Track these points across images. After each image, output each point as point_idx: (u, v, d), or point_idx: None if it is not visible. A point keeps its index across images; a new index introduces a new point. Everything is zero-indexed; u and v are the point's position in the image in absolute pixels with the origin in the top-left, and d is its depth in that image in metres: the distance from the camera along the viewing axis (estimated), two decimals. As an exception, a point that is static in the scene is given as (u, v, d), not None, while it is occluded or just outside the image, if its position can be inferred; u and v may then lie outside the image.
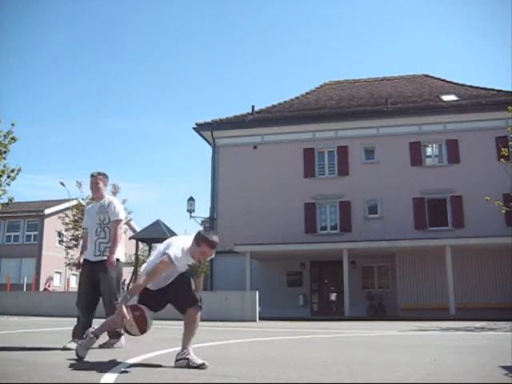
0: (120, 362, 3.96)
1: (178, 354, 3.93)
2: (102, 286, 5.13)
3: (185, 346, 3.95)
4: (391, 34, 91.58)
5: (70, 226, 28.42)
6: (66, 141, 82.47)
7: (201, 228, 37.10)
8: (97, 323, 4.51)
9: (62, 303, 16.25)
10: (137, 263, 23.39)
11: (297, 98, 27.57)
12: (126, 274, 33.02)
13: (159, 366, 3.97)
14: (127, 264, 34.97)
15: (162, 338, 7.62)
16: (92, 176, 5.35)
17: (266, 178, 22.92)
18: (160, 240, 24.03)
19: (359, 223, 22.11)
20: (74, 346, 4.80)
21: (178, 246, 3.94)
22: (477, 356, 5.00)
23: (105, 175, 5.45)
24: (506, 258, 19.27)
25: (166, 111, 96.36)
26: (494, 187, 18.77)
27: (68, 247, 28.29)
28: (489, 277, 19.72)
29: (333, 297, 21.66)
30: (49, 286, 26.89)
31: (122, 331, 4.80)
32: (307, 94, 28.16)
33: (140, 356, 4.49)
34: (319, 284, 22.79)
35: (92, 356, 4.52)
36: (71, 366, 3.88)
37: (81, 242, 25.51)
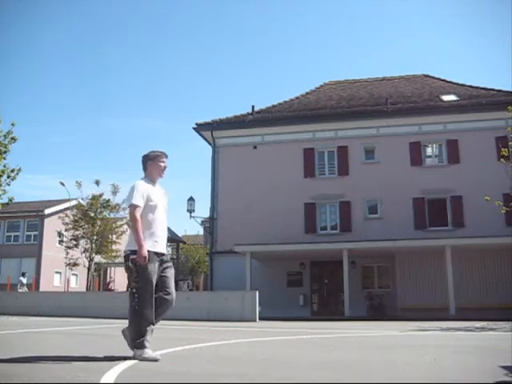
0: (120, 362, 3.95)
1: None
2: (170, 282, 4.43)
3: None
4: (391, 34, 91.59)
5: (70, 226, 28.46)
6: (65, 141, 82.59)
7: (201, 228, 37.13)
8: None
9: (61, 303, 16.28)
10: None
11: (297, 98, 27.56)
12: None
13: (159, 365, 3.97)
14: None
15: (162, 337, 7.62)
16: (167, 157, 4.66)
17: (265, 177, 22.91)
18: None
19: (359, 223, 22.09)
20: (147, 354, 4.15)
21: None
22: (477, 356, 5.00)
23: None
24: (506, 257, 19.25)
25: (166, 111, 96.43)
26: (494, 187, 18.75)
27: (68, 247, 28.31)
28: (489, 277, 19.70)
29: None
30: (110, 287, 25.40)
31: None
32: (307, 93, 28.14)
33: (140, 356, 4.48)
34: (319, 284, 22.77)
35: (92, 356, 4.52)
36: (71, 366, 3.88)
37: (81, 242, 25.20)
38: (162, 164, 4.57)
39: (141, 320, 4.21)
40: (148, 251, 4.23)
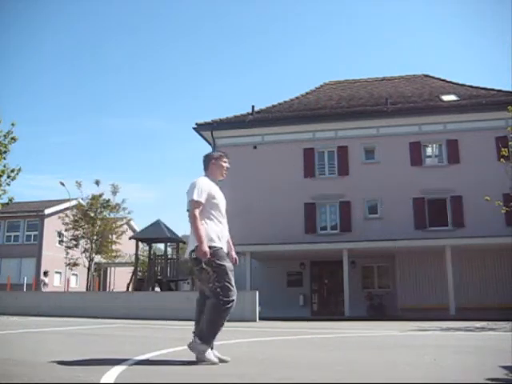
0: (120, 362, 3.95)
1: None
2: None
3: None
4: (391, 34, 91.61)
5: (70, 226, 28.44)
6: (65, 141, 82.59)
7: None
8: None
9: (61, 303, 16.27)
10: (137, 263, 23.39)
11: (297, 98, 27.56)
12: (127, 273, 32.86)
13: (159, 365, 3.98)
14: (127, 264, 34.82)
15: (162, 337, 7.62)
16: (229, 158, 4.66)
17: (266, 177, 22.90)
18: (160, 240, 23.91)
19: (359, 223, 22.10)
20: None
21: None
22: (477, 356, 5.00)
23: None
24: (506, 257, 19.26)
25: (166, 111, 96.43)
26: (494, 187, 18.74)
27: (68, 247, 28.29)
28: (489, 277, 19.71)
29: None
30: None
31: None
32: (307, 93, 28.14)
33: (140, 356, 4.49)
34: (319, 284, 22.78)
35: (92, 356, 4.52)
36: (71, 366, 3.88)
37: (81, 242, 25.07)
38: (225, 164, 4.56)
39: (222, 318, 4.11)
40: (221, 248, 4.18)
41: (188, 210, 4.22)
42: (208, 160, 4.53)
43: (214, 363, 3.95)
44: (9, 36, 75.50)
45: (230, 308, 4.10)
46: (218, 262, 4.10)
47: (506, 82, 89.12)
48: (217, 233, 4.23)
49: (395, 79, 28.58)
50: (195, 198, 4.16)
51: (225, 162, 4.56)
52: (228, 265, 4.16)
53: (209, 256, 4.06)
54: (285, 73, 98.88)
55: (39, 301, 17.04)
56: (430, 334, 8.70)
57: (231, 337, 7.74)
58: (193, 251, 4.15)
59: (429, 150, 23.05)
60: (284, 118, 24.13)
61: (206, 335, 4.06)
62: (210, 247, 4.09)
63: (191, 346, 4.09)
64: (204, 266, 4.09)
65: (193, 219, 4.13)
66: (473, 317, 14.28)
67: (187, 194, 4.27)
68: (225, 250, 4.28)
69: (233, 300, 4.10)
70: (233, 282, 4.13)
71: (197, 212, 4.15)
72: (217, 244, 4.16)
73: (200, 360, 3.97)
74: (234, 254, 4.47)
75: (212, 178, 4.48)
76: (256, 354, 4.94)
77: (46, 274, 21.82)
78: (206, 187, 4.28)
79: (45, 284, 20.57)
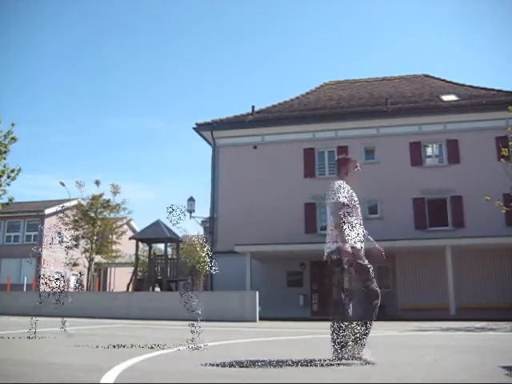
0: (120, 362, 3.95)
1: None
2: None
3: None
4: (391, 34, 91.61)
5: (70, 226, 28.44)
6: (65, 141, 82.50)
7: (201, 228, 37.19)
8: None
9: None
10: (137, 263, 23.40)
11: (297, 97, 27.56)
12: (127, 273, 32.85)
13: (159, 365, 3.97)
14: (127, 264, 34.79)
15: (162, 337, 7.62)
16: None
17: (266, 177, 22.90)
18: (160, 240, 23.81)
19: (359, 223, 22.06)
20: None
21: None
22: (477, 356, 5.00)
23: None
24: (506, 257, 19.26)
25: (166, 111, 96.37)
26: (494, 187, 18.74)
27: (68, 247, 28.28)
28: (489, 277, 19.71)
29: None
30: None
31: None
32: (307, 93, 28.14)
33: (140, 356, 4.49)
34: (319, 284, 22.75)
35: (92, 356, 4.52)
36: (71, 366, 3.88)
37: (81, 242, 25.05)
38: (356, 169, 4.75)
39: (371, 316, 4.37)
40: (361, 249, 4.43)
41: (332, 213, 4.42)
42: (340, 165, 4.77)
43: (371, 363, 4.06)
44: (9, 36, 75.56)
45: (377, 305, 4.39)
46: (360, 261, 4.39)
47: (506, 82, 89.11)
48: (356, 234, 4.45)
49: (395, 79, 28.58)
50: (341, 200, 4.40)
51: (356, 167, 4.75)
52: (368, 263, 4.47)
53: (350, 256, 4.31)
54: (285, 73, 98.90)
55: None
56: (430, 334, 8.70)
57: (231, 337, 7.74)
58: (332, 252, 4.35)
59: (429, 150, 23.05)
60: (284, 118, 24.13)
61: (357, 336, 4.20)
62: (352, 247, 4.32)
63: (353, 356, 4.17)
64: (345, 266, 4.30)
65: (339, 220, 4.37)
66: (473, 317, 14.29)
67: (333, 198, 4.43)
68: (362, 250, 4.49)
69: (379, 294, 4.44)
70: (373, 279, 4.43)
71: (341, 213, 4.39)
72: (357, 245, 4.40)
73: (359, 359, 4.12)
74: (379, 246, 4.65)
75: (346, 182, 4.66)
76: (256, 354, 4.94)
77: (80, 274, 21.76)
78: (347, 191, 4.51)
79: (81, 285, 20.42)
